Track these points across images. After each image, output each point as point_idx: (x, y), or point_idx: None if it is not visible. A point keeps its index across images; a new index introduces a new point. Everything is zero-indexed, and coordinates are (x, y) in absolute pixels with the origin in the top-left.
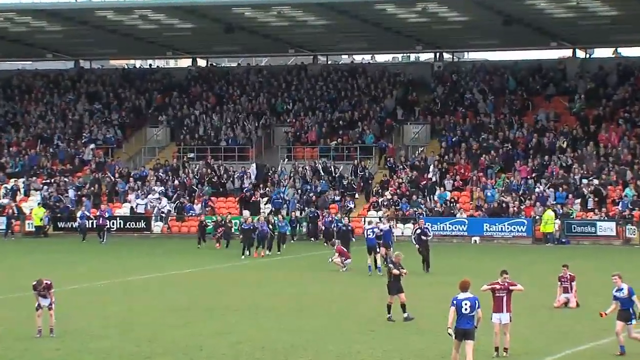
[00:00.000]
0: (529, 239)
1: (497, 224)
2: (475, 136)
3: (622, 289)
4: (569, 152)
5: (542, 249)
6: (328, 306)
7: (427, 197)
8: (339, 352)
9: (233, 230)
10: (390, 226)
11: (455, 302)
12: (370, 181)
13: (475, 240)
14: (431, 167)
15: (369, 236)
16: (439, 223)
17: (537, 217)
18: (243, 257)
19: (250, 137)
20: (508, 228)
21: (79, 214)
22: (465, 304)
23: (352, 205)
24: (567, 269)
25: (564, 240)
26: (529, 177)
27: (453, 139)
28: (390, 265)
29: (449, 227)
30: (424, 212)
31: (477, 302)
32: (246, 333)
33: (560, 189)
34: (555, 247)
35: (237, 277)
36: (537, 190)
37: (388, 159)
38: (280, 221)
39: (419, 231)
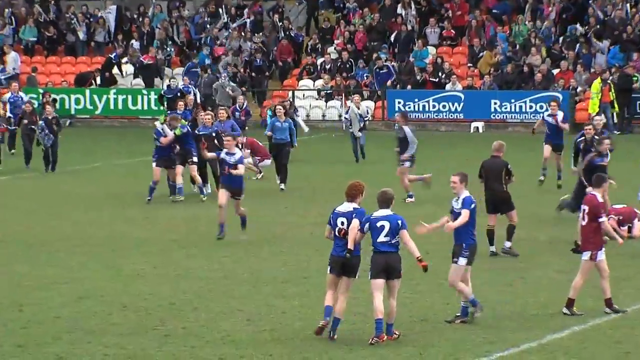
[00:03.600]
0: (564, 124)
1: (512, 100)
2: None
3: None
4: None
5: None
6: (230, 239)
7: (397, 57)
8: (246, 315)
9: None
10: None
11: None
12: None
13: (477, 128)
14: (401, 8)
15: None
16: (416, 100)
17: (579, 88)
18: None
19: None
20: (531, 107)
21: None
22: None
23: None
24: None
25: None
26: (564, 17)
27: None
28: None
29: (434, 106)
30: (394, 77)
31: (400, 223)
32: (95, 283)
33: (616, 39)
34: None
35: (78, 191)
36: (577, 43)
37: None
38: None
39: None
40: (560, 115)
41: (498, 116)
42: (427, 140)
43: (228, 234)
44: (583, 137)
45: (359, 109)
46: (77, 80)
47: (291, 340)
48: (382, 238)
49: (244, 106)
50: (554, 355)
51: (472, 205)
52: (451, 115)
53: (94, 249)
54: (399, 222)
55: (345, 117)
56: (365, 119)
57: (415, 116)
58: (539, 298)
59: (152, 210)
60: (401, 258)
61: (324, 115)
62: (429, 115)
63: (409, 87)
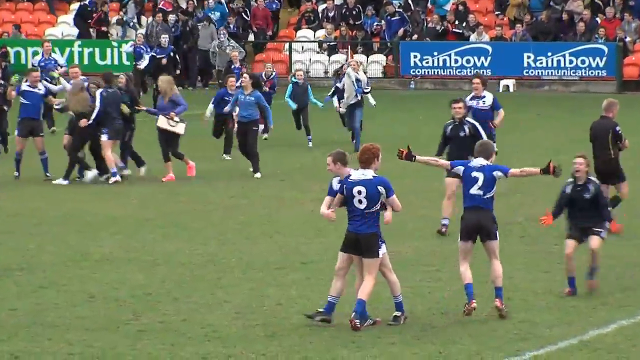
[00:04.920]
0: (611, 83)
1: (549, 53)
2: None
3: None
4: None
5: (636, 103)
6: (220, 220)
7: (413, 3)
8: (235, 307)
9: None
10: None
11: (345, 185)
12: None
13: (507, 87)
14: None
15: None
16: (436, 53)
17: (627, 39)
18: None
19: None
20: (570, 62)
21: None
22: (359, 191)
23: None
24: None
25: None
26: None
27: None
28: None
29: (456, 61)
30: (407, 25)
31: (380, 188)
32: (57, 270)
33: None
34: None
35: (33, 160)
36: None
37: None
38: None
39: None
40: (488, 97)
41: (532, 72)
42: (447, 100)
43: (216, 211)
44: (452, 120)
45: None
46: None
47: (288, 337)
48: (474, 190)
49: (272, 75)
50: (597, 354)
51: None
52: (477, 71)
53: (54, 229)
54: (496, 172)
55: (337, 86)
56: (366, 90)
57: (435, 72)
58: (580, 287)
59: (123, 184)
60: (495, 218)
61: (326, 72)
62: (450, 72)
63: (427, 38)
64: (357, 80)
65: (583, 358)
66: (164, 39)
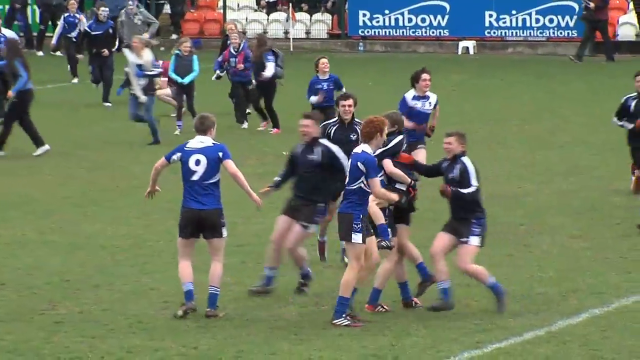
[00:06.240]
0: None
1: (513, 11)
2: None
3: None
4: None
5: (609, 67)
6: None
7: None
8: (163, 296)
9: None
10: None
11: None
12: None
13: (467, 49)
14: None
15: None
16: (387, 12)
17: None
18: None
19: None
20: (537, 21)
21: None
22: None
23: None
24: None
25: None
26: None
27: None
28: None
29: (410, 20)
30: None
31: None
32: None
33: None
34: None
35: None
36: None
37: None
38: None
39: None
40: (433, 97)
41: (494, 33)
42: (400, 64)
43: (141, 187)
44: (337, 120)
45: (140, 58)
46: None
47: (222, 329)
48: None
49: (241, 47)
50: (567, 346)
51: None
52: (433, 32)
53: None
54: None
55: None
56: (153, 72)
57: (386, 32)
58: (548, 272)
59: (37, 158)
60: None
61: (265, 33)
62: (403, 32)
63: None
64: (138, 63)
65: (551, 350)
66: (104, 12)
